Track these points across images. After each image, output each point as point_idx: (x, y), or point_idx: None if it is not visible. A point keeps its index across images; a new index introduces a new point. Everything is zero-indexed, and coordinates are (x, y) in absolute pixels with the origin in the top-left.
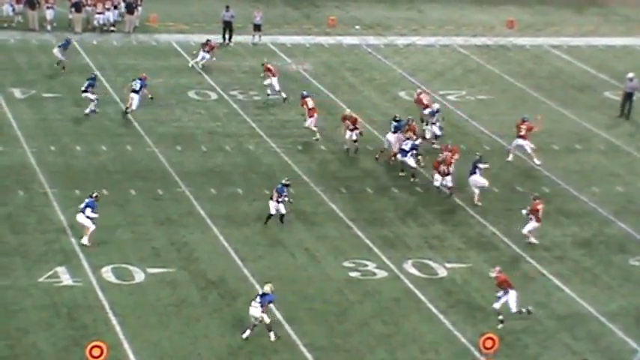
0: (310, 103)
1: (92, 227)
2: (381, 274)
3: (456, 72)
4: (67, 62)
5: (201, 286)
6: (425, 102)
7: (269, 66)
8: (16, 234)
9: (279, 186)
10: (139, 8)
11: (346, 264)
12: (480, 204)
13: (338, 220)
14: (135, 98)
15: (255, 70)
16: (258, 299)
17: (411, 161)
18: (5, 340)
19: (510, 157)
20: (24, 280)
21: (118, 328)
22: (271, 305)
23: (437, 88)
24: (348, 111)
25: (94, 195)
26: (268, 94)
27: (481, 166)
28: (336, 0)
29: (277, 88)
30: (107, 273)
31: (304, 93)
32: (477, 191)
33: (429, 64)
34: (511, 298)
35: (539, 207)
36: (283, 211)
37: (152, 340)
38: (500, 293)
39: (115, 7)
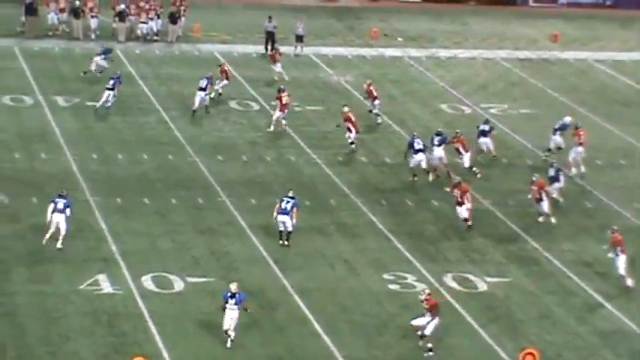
0: (285, 98)
1: (65, 232)
2: (421, 287)
3: (499, 85)
4: (105, 70)
5: None
6: (375, 94)
7: (225, 68)
8: (58, 241)
9: (295, 200)
10: (182, 18)
11: (386, 276)
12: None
13: (378, 232)
14: (199, 96)
15: (298, 80)
16: (232, 301)
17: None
18: (47, 346)
19: (574, 171)
20: (65, 286)
21: (157, 337)
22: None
23: (479, 101)
24: (346, 109)
25: (65, 193)
26: (220, 94)
27: (562, 176)
28: (380, 12)
29: (220, 91)
30: (147, 281)
31: (281, 87)
32: (555, 192)
33: (472, 77)
34: (432, 325)
35: (619, 239)
36: (290, 227)
37: (191, 349)
38: (427, 316)
39: (159, 17)
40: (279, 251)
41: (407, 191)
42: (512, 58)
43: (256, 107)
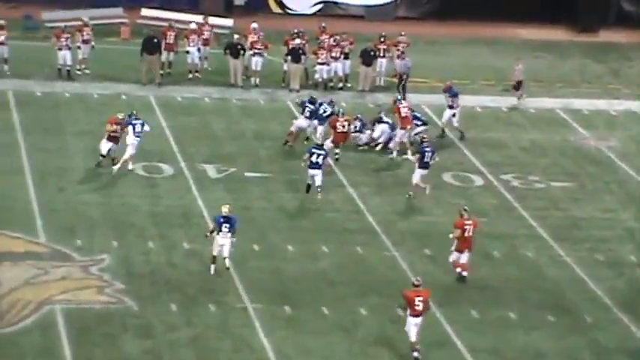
0: (404, 110)
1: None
2: None
3: None
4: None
5: None
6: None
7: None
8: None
9: (326, 151)
10: (383, 61)
11: None
12: None
13: None
14: None
15: (538, 145)
16: (226, 228)
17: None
18: None
19: None
20: None
21: None
22: None
23: None
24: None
25: (136, 112)
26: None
27: None
28: None
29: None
30: None
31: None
32: None
33: None
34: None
35: None
36: (320, 182)
37: None
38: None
39: (347, 57)
40: None
41: None
42: None
43: (479, 182)
